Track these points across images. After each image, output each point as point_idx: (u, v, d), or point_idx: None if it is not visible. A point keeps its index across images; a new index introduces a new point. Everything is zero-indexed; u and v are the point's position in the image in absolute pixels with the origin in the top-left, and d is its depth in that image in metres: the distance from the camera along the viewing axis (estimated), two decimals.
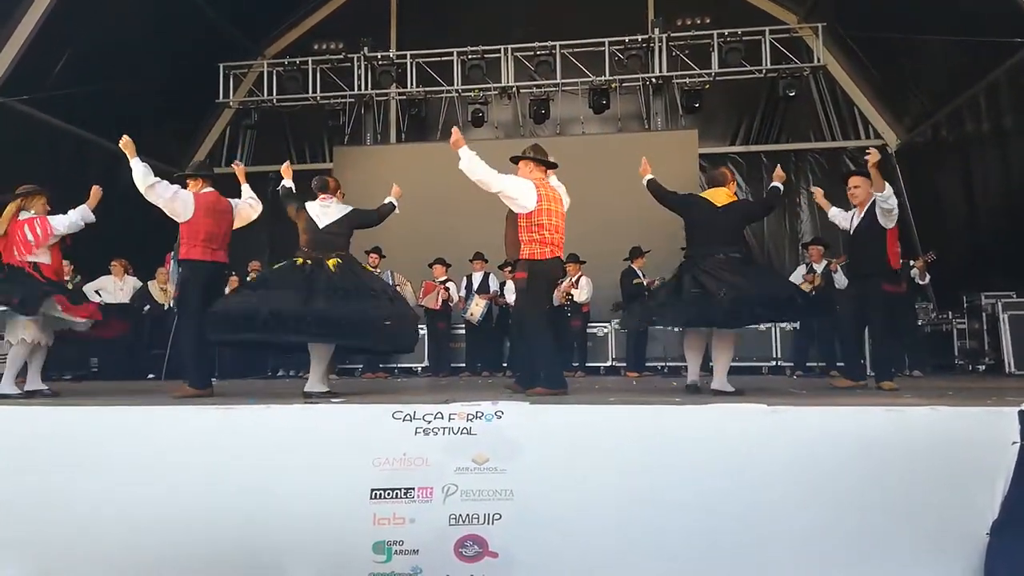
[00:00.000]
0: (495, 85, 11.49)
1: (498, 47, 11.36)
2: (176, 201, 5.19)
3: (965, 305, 9.23)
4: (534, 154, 5.09)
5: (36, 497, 3.37)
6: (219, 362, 9.33)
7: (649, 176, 5.37)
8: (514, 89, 11.58)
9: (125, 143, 5.20)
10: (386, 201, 5.31)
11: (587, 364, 9.57)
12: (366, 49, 11.61)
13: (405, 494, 3.14)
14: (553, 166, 5.22)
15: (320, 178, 5.16)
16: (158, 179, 5.18)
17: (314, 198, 5.08)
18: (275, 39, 12.91)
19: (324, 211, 5.00)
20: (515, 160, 5.13)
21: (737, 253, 4.96)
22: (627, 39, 11.08)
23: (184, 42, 10.78)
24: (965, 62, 9.01)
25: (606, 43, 11.13)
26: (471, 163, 4.80)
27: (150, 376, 8.88)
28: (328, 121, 12.07)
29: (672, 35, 11.03)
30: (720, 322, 4.78)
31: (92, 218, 5.44)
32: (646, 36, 11.13)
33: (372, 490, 3.16)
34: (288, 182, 5.34)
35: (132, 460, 3.40)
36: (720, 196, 5.08)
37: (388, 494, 3.15)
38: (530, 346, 5.07)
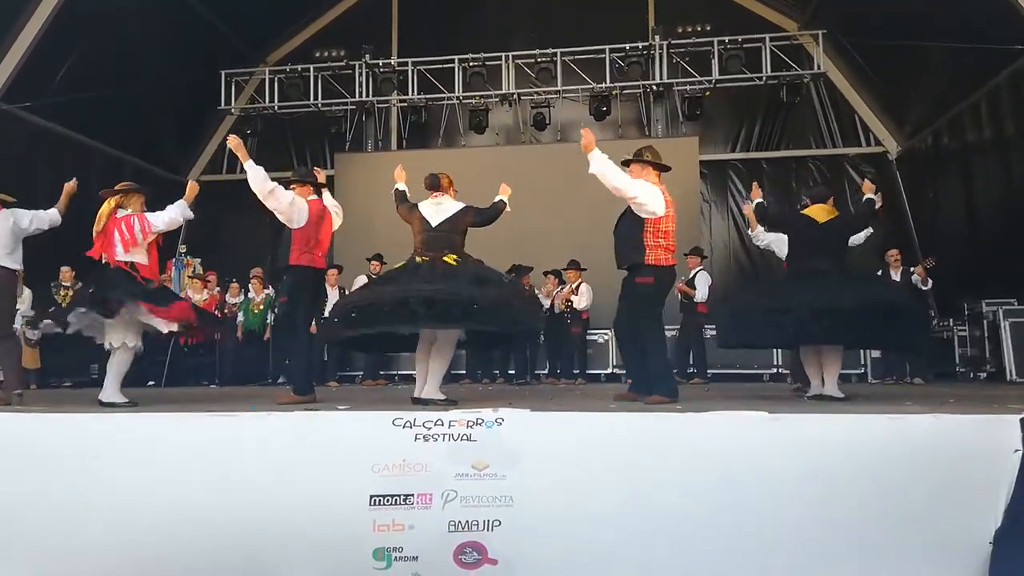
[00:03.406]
0: (496, 92, 11.51)
1: (499, 54, 11.39)
2: (293, 207, 5.13)
3: (966, 312, 9.21)
4: (650, 157, 5.01)
5: (37, 503, 3.36)
6: (219, 369, 9.37)
7: (759, 200, 5.70)
8: (515, 96, 11.61)
9: (236, 144, 5.06)
10: (496, 199, 5.12)
11: (587, 371, 9.56)
12: (367, 56, 11.64)
13: (405, 500, 3.13)
14: (667, 168, 5.11)
15: (432, 175, 5.04)
16: (276, 183, 5.09)
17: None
18: (277, 46, 12.95)
19: (436, 208, 4.93)
20: (626, 163, 5.05)
21: (840, 268, 5.21)
22: (628, 46, 11.11)
23: (186, 49, 10.81)
24: (966, 69, 9.01)
25: (607, 50, 11.16)
26: (604, 167, 4.75)
27: (150, 383, 8.88)
28: (330, 128, 12.10)
29: (672, 42, 11.05)
30: (825, 340, 5.04)
31: (191, 214, 5.26)
32: (647, 43, 11.16)
33: (372, 496, 3.14)
34: (401, 185, 5.28)
35: (133, 467, 3.39)
36: (821, 213, 5.31)
37: (388, 500, 3.13)
38: (648, 351, 5.00)
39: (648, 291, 4.88)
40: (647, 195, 4.82)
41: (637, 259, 4.86)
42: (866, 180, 5.93)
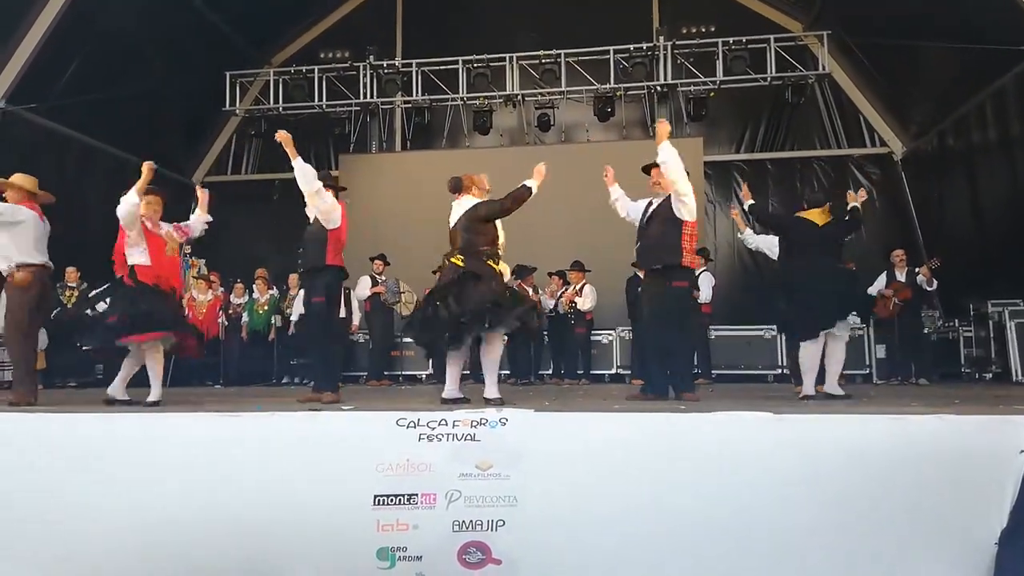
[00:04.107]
0: (500, 93, 11.50)
1: (503, 55, 11.38)
2: (334, 209, 5.19)
3: (971, 313, 9.18)
4: None
5: (41, 502, 3.37)
6: (224, 369, 9.38)
7: (751, 201, 5.98)
8: (519, 97, 11.61)
9: (286, 139, 5.05)
10: (520, 185, 5.05)
11: (591, 372, 9.55)
12: (372, 57, 11.65)
13: (408, 500, 3.12)
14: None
15: (453, 178, 5.16)
16: (321, 183, 5.14)
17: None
18: (281, 47, 12.97)
19: (455, 210, 5.08)
20: (647, 169, 5.17)
21: (840, 263, 5.57)
22: (632, 47, 11.09)
23: (191, 50, 10.84)
24: (971, 69, 8.99)
25: (611, 51, 11.14)
26: (673, 158, 4.91)
27: None
28: (334, 129, 12.12)
29: (677, 43, 11.04)
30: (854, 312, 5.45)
31: (207, 219, 5.39)
32: (651, 44, 11.15)
33: (375, 496, 3.14)
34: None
35: (137, 467, 3.39)
36: (819, 216, 5.50)
37: (392, 500, 3.13)
38: (678, 353, 5.11)
39: (683, 294, 5.03)
40: (691, 198, 5.01)
41: (673, 261, 4.95)
42: (861, 190, 6.10)
